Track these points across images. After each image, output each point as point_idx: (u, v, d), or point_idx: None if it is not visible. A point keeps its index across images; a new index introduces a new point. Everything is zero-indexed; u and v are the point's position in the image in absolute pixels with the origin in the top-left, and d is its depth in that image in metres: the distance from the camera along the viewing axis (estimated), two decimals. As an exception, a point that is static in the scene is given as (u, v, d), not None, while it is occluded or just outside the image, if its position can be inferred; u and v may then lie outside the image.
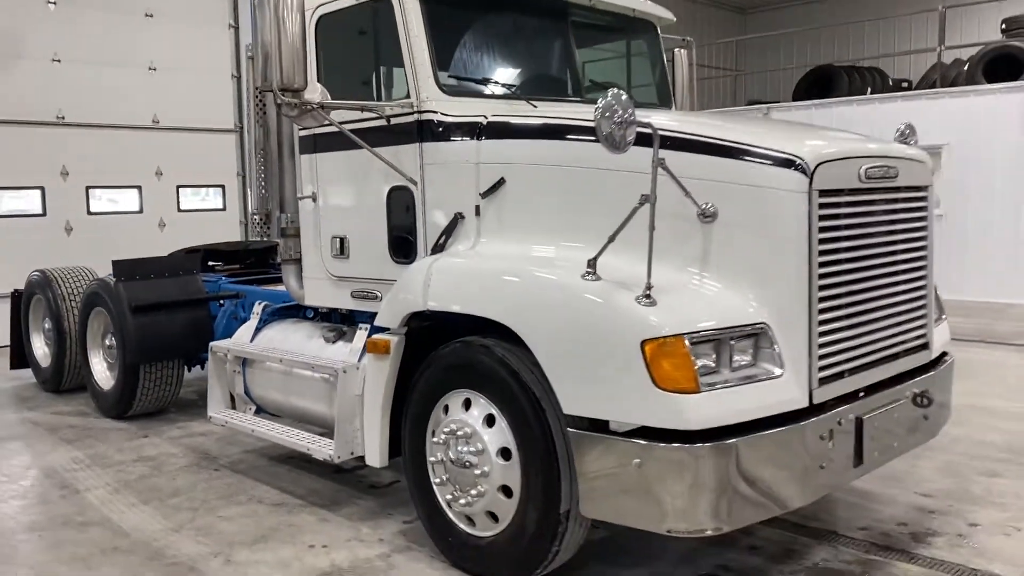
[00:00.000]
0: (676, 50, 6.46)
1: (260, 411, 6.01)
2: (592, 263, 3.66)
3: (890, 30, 21.29)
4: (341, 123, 4.78)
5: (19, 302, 8.76)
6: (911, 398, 4.34)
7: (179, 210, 12.85)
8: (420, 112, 4.64)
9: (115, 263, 7.19)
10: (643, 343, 3.41)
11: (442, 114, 4.60)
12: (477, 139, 4.49)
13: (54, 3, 11.46)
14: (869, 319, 3.99)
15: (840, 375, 3.86)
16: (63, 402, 8.06)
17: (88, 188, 11.92)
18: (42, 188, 11.50)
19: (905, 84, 19.33)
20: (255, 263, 8.59)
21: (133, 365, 7.04)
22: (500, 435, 3.98)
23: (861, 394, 3.98)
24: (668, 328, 3.42)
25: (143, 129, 12.36)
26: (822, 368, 3.73)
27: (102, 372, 7.55)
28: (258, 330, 6.09)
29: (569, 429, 3.66)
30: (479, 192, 4.47)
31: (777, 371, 3.63)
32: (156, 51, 12.31)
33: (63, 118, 11.57)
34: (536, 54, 5.30)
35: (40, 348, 8.58)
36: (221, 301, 7.30)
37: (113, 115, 12.01)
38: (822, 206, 3.67)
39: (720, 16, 23.04)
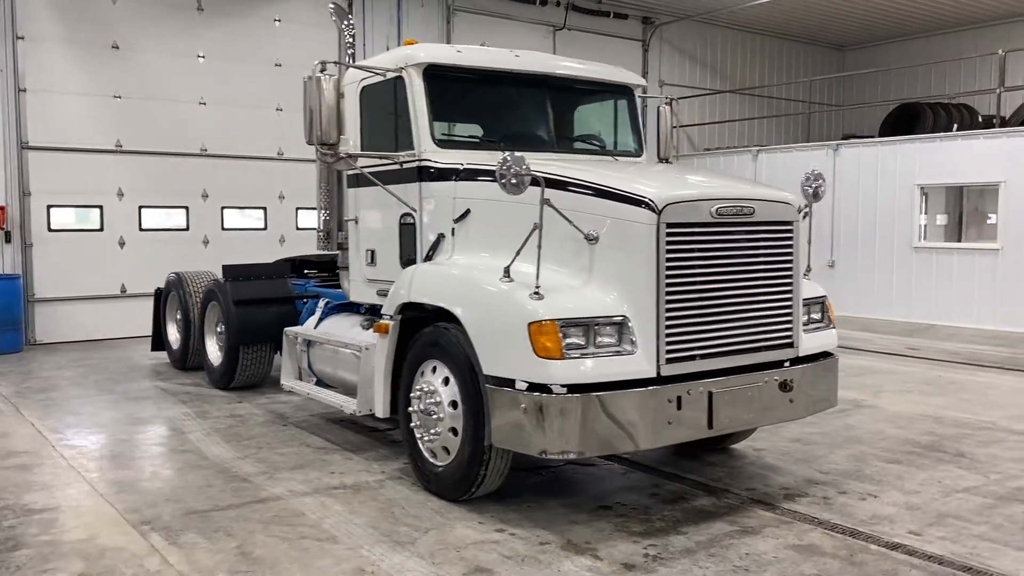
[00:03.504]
0: (659, 107, 7.91)
1: (319, 382, 7.84)
2: (507, 270, 5.25)
3: (986, 67, 21.44)
4: (368, 167, 6.60)
5: (159, 297, 11.07)
6: (777, 384, 5.68)
7: (297, 228, 15.13)
8: (420, 160, 6.38)
9: (224, 267, 9.31)
10: (529, 324, 4.97)
11: (434, 161, 6.31)
12: (455, 180, 6.18)
13: (203, 56, 14.01)
14: (717, 318, 5.36)
15: (691, 357, 5.27)
16: (186, 376, 10.24)
17: (223, 208, 14.39)
18: (186, 208, 14.05)
19: (996, 120, 19.58)
20: (341, 271, 10.52)
21: (234, 347, 9.08)
22: (452, 391, 5.60)
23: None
24: (546, 315, 4.97)
25: (270, 160, 14.73)
26: (669, 351, 5.16)
27: (214, 352, 9.65)
28: (320, 320, 7.97)
29: (487, 385, 5.25)
30: (453, 219, 6.16)
31: (632, 349, 5.10)
32: (282, 95, 14.66)
33: (206, 150, 14.09)
34: (518, 115, 6.95)
35: (173, 334, 10.82)
36: (305, 300, 9.25)
37: (246, 148, 14.43)
38: (670, 235, 5.12)
39: (819, 53, 23.78)
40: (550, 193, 5.22)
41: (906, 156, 16.01)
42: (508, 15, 17.43)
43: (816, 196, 6.44)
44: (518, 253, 5.20)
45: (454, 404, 5.58)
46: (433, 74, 6.44)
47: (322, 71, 6.18)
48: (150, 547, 4.93)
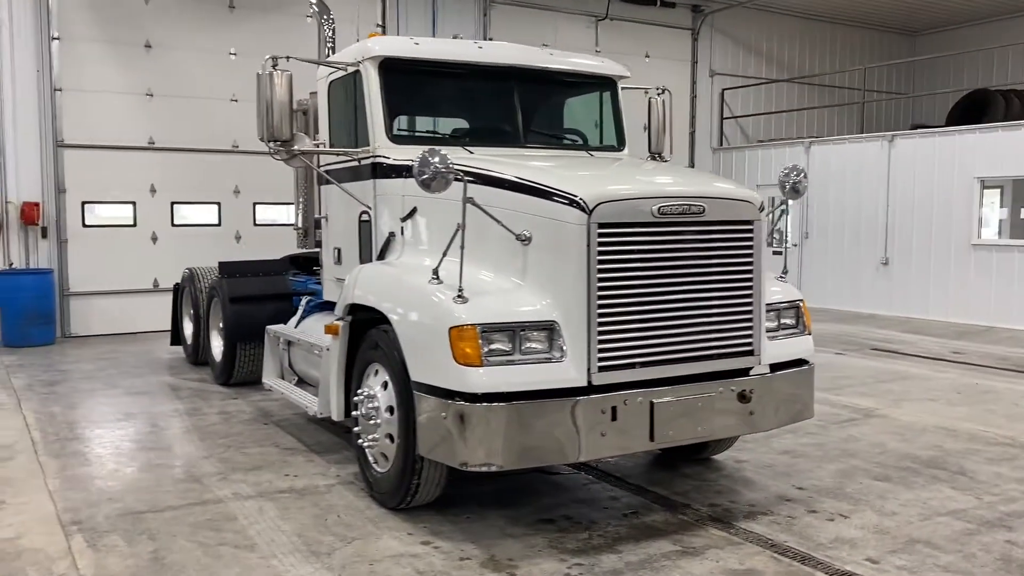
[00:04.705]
0: (651, 98, 7.52)
1: (300, 381, 7.76)
2: (435, 271, 5.02)
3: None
4: (331, 164, 6.47)
5: (177, 292, 11.22)
6: (736, 394, 5.30)
7: (329, 223, 15.17)
8: (375, 156, 6.20)
9: (221, 263, 9.35)
10: (450, 329, 4.74)
11: (386, 158, 6.12)
12: (405, 177, 5.96)
13: (235, 54, 14.17)
14: (660, 323, 5.01)
15: (629, 365, 4.94)
16: (195, 371, 10.35)
17: (255, 204, 14.54)
18: (218, 203, 14.26)
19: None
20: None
21: (231, 343, 9.11)
22: (389, 396, 5.41)
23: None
24: (467, 319, 4.72)
25: (302, 155, 14.79)
26: (602, 358, 4.84)
27: (217, 348, 9.71)
28: (302, 318, 7.89)
29: (415, 391, 5.03)
30: (401, 217, 5.96)
31: (560, 357, 4.81)
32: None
33: (237, 146, 14.23)
34: (483, 109, 6.69)
35: (187, 329, 10.96)
36: (304, 297, 9.20)
37: (278, 144, 14.49)
38: (603, 236, 4.80)
39: (887, 39, 22.63)
40: (482, 191, 5.01)
41: (965, 147, 15.08)
42: (548, 6, 17.11)
43: (796, 192, 6.00)
44: (445, 254, 4.96)
45: (391, 410, 5.39)
46: (389, 67, 6.25)
47: (274, 67, 6.06)
48: (67, 549, 4.90)
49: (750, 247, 5.35)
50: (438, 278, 5.01)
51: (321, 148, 6.50)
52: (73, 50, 12.97)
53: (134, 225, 13.61)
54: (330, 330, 6.09)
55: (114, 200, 13.47)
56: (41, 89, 12.80)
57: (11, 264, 12.70)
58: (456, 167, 4.86)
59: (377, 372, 5.59)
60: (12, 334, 12.24)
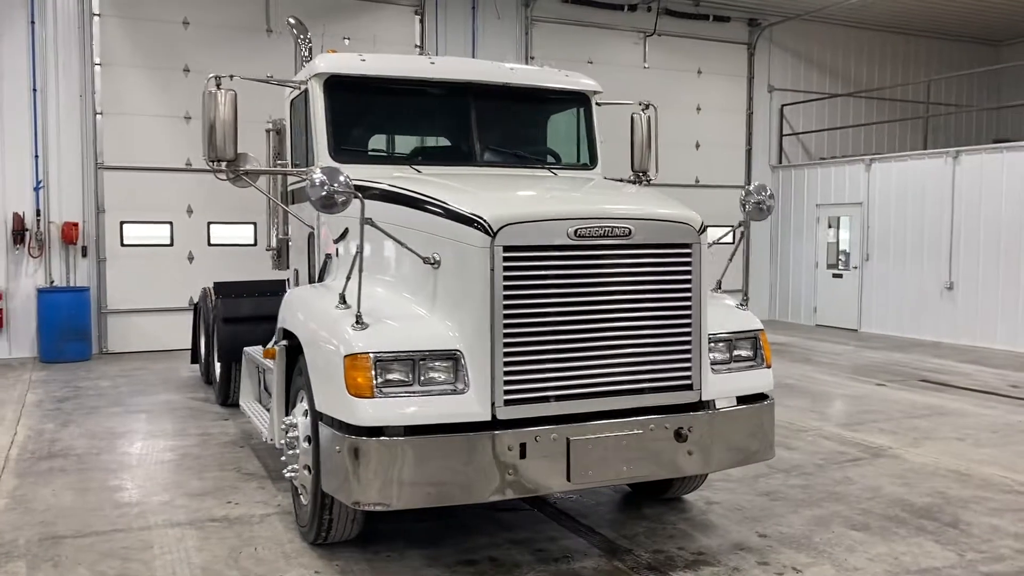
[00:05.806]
0: (634, 114, 7.14)
1: (275, 404, 7.63)
2: (342, 296, 4.78)
3: None
4: (292, 183, 6.35)
5: (196, 311, 11.34)
6: (672, 432, 4.88)
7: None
8: (317, 175, 6.01)
9: (216, 284, 9.35)
10: (345, 357, 4.49)
11: (327, 177, 5.93)
12: (340, 198, 5.76)
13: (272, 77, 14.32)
14: (578, 355, 4.63)
15: (543, 399, 4.58)
16: (204, 390, 10.39)
17: (290, 224, 14.65)
18: (254, 224, 14.40)
19: None
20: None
21: (227, 363, 9.08)
22: (307, 425, 5.19)
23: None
24: (362, 347, 4.46)
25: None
26: (508, 391, 4.50)
27: (217, 368, 9.70)
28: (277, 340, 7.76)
29: (319, 422, 4.79)
30: (334, 239, 5.76)
31: (464, 389, 4.49)
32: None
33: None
34: (436, 126, 6.47)
35: (202, 347, 11.03)
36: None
37: (314, 164, 14.61)
38: (509, 260, 4.47)
39: (964, 49, 21.33)
40: (394, 210, 4.78)
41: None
42: (592, 22, 16.77)
43: (760, 211, 5.53)
44: (348, 277, 4.72)
45: (308, 439, 5.17)
46: (335, 85, 6.09)
47: (218, 86, 5.97)
48: (-33, 574, 4.85)
49: (687, 272, 4.91)
50: (345, 303, 4.77)
51: (264, 168, 6.34)
52: (114, 75, 13.39)
53: (171, 244, 13.90)
54: (267, 354, 5.93)
55: (151, 220, 13.79)
56: (83, 113, 13.24)
57: (52, 282, 13.12)
58: (367, 186, 4.65)
59: (302, 399, 5.39)
60: (48, 350, 12.63)
